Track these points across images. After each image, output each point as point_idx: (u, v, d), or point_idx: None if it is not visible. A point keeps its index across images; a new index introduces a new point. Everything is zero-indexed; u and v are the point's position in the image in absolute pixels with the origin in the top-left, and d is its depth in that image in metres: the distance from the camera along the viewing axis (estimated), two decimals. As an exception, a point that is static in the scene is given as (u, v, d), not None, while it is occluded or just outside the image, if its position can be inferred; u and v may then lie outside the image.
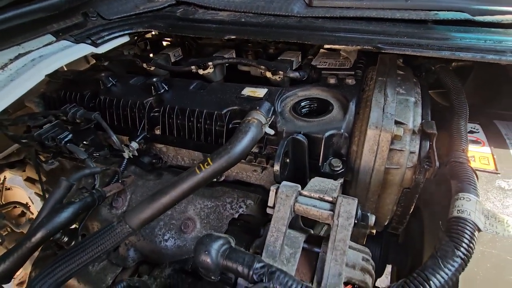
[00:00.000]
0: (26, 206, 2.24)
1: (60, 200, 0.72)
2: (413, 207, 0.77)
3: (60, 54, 0.83)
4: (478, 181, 0.68)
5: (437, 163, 0.64)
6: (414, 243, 0.86)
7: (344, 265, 0.52)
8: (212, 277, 0.56)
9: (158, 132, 0.97)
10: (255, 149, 0.81)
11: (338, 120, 0.74)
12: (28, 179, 1.94)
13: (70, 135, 0.89)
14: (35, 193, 2.08)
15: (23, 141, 1.02)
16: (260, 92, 0.86)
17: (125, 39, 1.01)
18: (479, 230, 0.47)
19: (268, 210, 0.63)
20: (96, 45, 0.90)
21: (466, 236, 0.45)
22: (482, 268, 0.58)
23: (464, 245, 0.44)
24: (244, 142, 0.68)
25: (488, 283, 0.56)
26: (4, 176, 2.13)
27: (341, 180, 0.73)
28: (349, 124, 0.74)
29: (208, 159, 0.67)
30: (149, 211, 0.66)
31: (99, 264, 1.02)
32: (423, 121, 0.72)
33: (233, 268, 0.53)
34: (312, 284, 0.54)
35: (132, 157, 0.98)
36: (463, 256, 0.43)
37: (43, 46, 0.86)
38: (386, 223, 0.83)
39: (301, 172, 0.74)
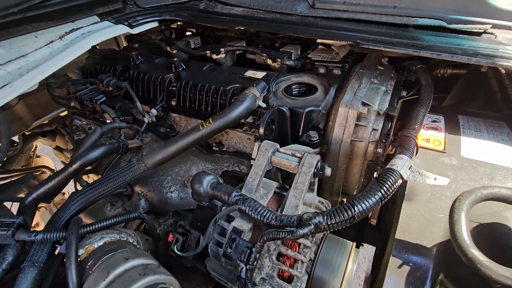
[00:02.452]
0: (53, 171, 2.50)
1: (94, 142, 0.92)
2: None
3: (104, 31, 1.04)
4: (428, 157, 0.82)
5: (392, 138, 0.79)
6: (386, 225, 1.00)
7: (301, 200, 0.69)
8: (203, 202, 0.74)
9: (174, 103, 1.16)
10: (250, 120, 0.99)
11: (319, 100, 0.91)
12: (57, 148, 2.19)
13: (104, 98, 1.10)
14: (62, 161, 2.32)
15: (64, 102, 1.25)
16: (260, 74, 1.03)
17: (155, 24, 1.22)
18: (402, 178, 0.62)
19: (252, 162, 0.81)
20: (131, 26, 1.10)
21: (389, 180, 0.60)
22: (416, 221, 0.73)
23: (386, 186, 0.59)
24: (239, 109, 0.86)
25: (419, 233, 0.70)
26: (36, 144, 2.40)
27: (316, 149, 0.89)
28: (328, 104, 0.90)
29: (210, 119, 0.85)
30: (161, 154, 0.85)
31: (115, 209, 1.23)
32: (390, 105, 0.87)
33: (217, 195, 0.71)
34: (276, 214, 0.71)
35: (151, 121, 1.18)
36: (383, 193, 0.59)
37: (91, 24, 1.08)
38: (355, 193, 0.98)
39: (285, 139, 0.91)
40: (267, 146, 0.77)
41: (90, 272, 0.67)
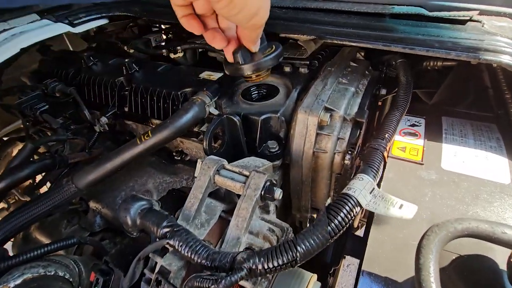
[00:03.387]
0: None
1: (24, 159, 0.81)
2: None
3: (39, 31, 0.92)
4: (402, 170, 0.70)
5: (358, 148, 0.66)
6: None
7: (244, 231, 0.57)
8: (133, 233, 0.62)
9: (127, 109, 1.04)
10: (204, 129, 0.87)
11: (279, 105, 0.78)
12: (36, 153, 2.09)
13: (46, 106, 0.98)
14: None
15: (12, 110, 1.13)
16: (216, 75, 0.91)
17: (104, 21, 1.09)
18: (360, 206, 0.50)
19: (194, 180, 0.69)
20: (73, 25, 0.98)
21: (343, 211, 0.48)
22: (386, 249, 0.61)
23: (337, 219, 0.47)
24: (183, 119, 0.74)
25: (389, 264, 0.59)
26: (13, 150, 2.30)
27: (277, 162, 0.77)
28: (288, 109, 0.78)
29: (149, 131, 0.73)
30: (94, 174, 0.73)
31: (70, 228, 1.13)
32: (359, 109, 0.75)
33: (146, 226, 0.59)
34: (216, 247, 0.60)
35: (102, 130, 1.06)
36: (333, 227, 0.47)
37: (27, 24, 0.95)
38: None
39: (239, 151, 0.79)
40: (209, 164, 0.65)
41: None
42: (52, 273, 0.70)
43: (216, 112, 0.81)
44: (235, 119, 0.73)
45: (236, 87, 0.90)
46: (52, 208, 0.74)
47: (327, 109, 0.71)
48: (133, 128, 1.12)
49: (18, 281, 0.65)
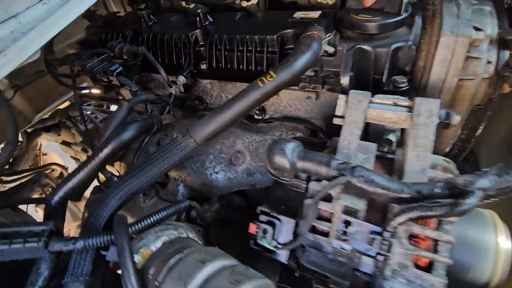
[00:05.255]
0: (64, 167, 2.35)
1: (122, 120, 0.73)
2: (480, 129, 0.73)
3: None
4: None
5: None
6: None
7: (428, 161, 0.50)
8: (286, 178, 0.56)
9: (204, 66, 0.95)
10: (309, 73, 0.79)
11: (404, 34, 0.70)
12: (64, 143, 2.02)
13: (120, 68, 0.89)
14: (71, 156, 2.16)
15: (68, 82, 1.04)
16: (314, 14, 0.81)
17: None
18: None
19: (335, 120, 0.62)
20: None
21: None
22: None
23: None
24: (307, 55, 0.65)
25: None
26: (40, 142, 2.22)
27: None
28: (416, 37, 0.69)
29: (270, 71, 0.65)
30: (213, 124, 0.66)
31: (149, 200, 1.07)
32: (500, 30, 0.66)
33: (309, 167, 0.52)
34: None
35: (179, 92, 0.97)
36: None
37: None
38: (447, 150, 0.80)
39: (363, 89, 0.71)
40: (359, 98, 0.58)
41: (157, 283, 0.51)
42: (184, 235, 0.65)
43: (331, 49, 0.72)
44: (369, 49, 0.65)
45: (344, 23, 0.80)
46: (171, 166, 0.67)
47: (475, 29, 0.62)
48: (206, 89, 1.02)
49: (158, 244, 0.59)
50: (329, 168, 0.50)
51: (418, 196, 0.44)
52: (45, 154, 2.45)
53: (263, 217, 0.57)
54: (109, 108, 2.13)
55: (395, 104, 0.57)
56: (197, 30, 0.93)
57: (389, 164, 0.56)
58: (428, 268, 0.47)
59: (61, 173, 2.41)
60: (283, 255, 0.55)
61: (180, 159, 0.67)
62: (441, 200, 0.41)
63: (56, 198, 0.65)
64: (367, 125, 0.63)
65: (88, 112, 1.86)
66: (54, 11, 0.72)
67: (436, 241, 0.47)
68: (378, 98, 0.59)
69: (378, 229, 0.46)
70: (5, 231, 0.55)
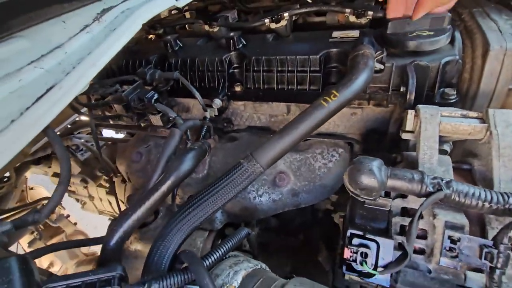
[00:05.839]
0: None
1: (175, 148, 0.70)
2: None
3: (147, 6, 0.79)
4: None
5: None
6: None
7: (515, 170, 0.51)
8: (372, 198, 0.54)
9: (239, 88, 0.94)
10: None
11: (448, 50, 0.73)
12: (55, 175, 1.90)
13: (157, 95, 0.86)
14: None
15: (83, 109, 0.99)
16: (353, 33, 0.84)
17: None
18: None
19: (405, 135, 0.62)
20: (176, -2, 0.86)
21: None
22: None
23: None
24: (366, 72, 0.66)
25: None
26: (26, 176, 2.08)
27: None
28: (460, 51, 0.73)
29: (333, 91, 0.65)
30: (278, 147, 0.64)
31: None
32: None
33: (400, 185, 0.52)
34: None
35: (214, 116, 0.95)
36: None
37: (123, 2, 0.82)
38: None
39: (419, 103, 0.73)
40: (430, 111, 0.59)
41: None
42: (259, 267, 0.61)
43: (381, 66, 0.74)
44: (425, 64, 0.67)
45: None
46: (237, 194, 0.64)
47: (520, 41, 0.67)
48: (239, 110, 1.01)
49: (239, 279, 0.55)
50: (422, 184, 0.50)
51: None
52: (32, 189, 2.29)
53: (356, 241, 0.55)
54: (101, 134, 2.04)
55: (465, 116, 0.58)
56: (232, 53, 0.92)
57: (468, 175, 0.57)
58: (536, 278, 0.47)
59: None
60: (384, 279, 0.53)
61: (246, 186, 0.65)
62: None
63: (115, 239, 0.59)
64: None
65: (82, 140, 1.78)
66: (100, 40, 0.69)
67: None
68: (447, 112, 0.60)
69: (489, 242, 0.46)
70: (76, 282, 0.49)
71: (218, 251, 0.60)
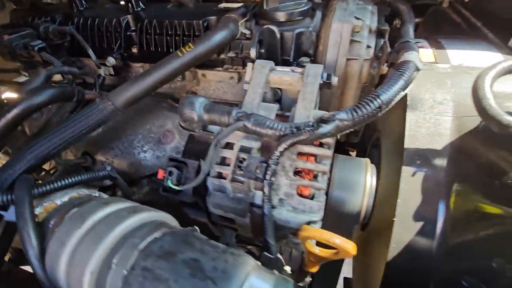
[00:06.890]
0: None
1: (38, 86, 0.72)
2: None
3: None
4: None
5: (388, 50, 0.75)
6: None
7: (312, 111, 0.60)
8: (196, 130, 0.61)
9: (135, 50, 0.99)
10: (232, 54, 0.87)
11: (306, 23, 0.83)
12: None
13: (43, 44, 0.87)
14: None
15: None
16: (236, 4, 0.92)
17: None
18: (418, 70, 0.57)
19: (245, 86, 0.70)
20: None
21: (408, 69, 0.55)
22: (423, 127, 0.69)
23: (406, 74, 0.54)
24: (223, 31, 0.74)
25: (428, 137, 0.67)
26: None
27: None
28: (316, 26, 0.83)
29: (190, 43, 0.72)
30: (132, 90, 0.69)
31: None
32: (378, 24, 0.83)
33: (214, 118, 0.59)
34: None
35: (108, 74, 0.99)
36: (406, 79, 0.53)
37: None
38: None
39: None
40: (262, 64, 0.67)
41: (56, 230, 0.50)
42: (97, 195, 0.65)
43: (247, 31, 0.82)
44: (274, 29, 0.76)
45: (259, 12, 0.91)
46: (88, 130, 0.68)
47: (357, 19, 0.78)
48: (138, 72, 1.05)
49: (65, 199, 0.59)
50: (230, 117, 0.57)
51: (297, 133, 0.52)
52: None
53: (171, 163, 0.61)
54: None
55: (292, 71, 0.67)
56: (129, 15, 0.97)
57: (286, 120, 0.66)
58: (312, 198, 0.55)
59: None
60: (188, 195, 0.59)
61: (97, 123, 0.68)
62: (306, 128, 0.50)
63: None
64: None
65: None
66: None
67: (316, 175, 0.55)
68: (279, 67, 0.69)
69: (264, 159, 0.53)
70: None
71: (58, 182, 0.63)
